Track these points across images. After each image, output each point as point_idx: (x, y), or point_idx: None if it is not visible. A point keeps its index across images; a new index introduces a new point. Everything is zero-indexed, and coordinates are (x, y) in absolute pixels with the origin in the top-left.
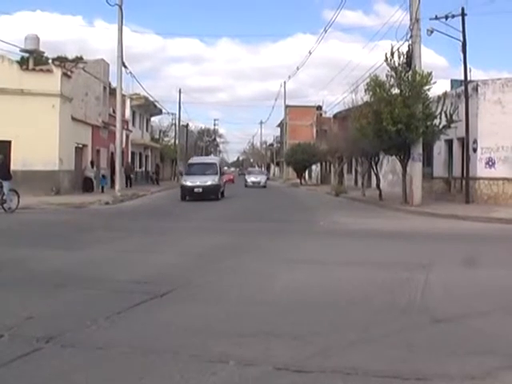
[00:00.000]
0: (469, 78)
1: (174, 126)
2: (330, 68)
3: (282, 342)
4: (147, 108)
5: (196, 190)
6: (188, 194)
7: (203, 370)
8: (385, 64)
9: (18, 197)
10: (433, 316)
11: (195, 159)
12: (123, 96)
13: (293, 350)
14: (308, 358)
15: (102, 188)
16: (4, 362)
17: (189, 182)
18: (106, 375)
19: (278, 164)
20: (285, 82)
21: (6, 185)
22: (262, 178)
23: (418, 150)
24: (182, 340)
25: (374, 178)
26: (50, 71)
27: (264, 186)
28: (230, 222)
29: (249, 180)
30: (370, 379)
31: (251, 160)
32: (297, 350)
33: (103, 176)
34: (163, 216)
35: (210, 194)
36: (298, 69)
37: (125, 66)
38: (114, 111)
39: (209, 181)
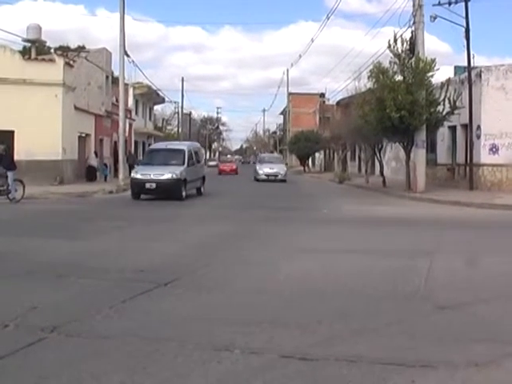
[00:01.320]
0: (472, 65)
1: (176, 115)
2: (333, 55)
3: (286, 331)
4: (150, 97)
5: (148, 185)
6: (139, 191)
7: (208, 359)
8: (388, 51)
9: (24, 187)
10: (436, 303)
11: (158, 144)
12: (126, 85)
13: (297, 338)
14: (312, 347)
15: (105, 177)
16: (9, 352)
17: (140, 174)
18: (111, 364)
19: (281, 152)
20: (287, 70)
21: (10, 175)
22: (279, 169)
23: (421, 137)
24: (186, 329)
25: (377, 164)
26: (52, 61)
27: (283, 180)
28: (230, 209)
29: (261, 171)
30: (374, 367)
31: (254, 148)
32: (301, 339)
33: (105, 165)
34: (167, 205)
35: (168, 192)
36: (300, 56)
37: (127, 55)
38: (116, 100)
39: (166, 174)
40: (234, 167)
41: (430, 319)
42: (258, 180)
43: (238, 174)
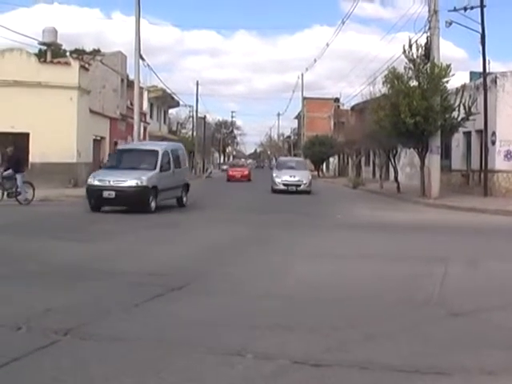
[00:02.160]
0: (488, 70)
1: (191, 118)
2: (348, 60)
3: (298, 336)
4: (165, 100)
5: (106, 194)
6: (96, 201)
7: (221, 363)
8: (403, 56)
9: (34, 189)
10: (451, 310)
11: (127, 144)
12: (141, 88)
13: (309, 343)
14: (325, 352)
15: None
16: (22, 354)
17: (97, 180)
18: (124, 368)
19: (295, 156)
20: (302, 74)
21: (18, 177)
22: (302, 176)
23: (436, 143)
24: (198, 333)
25: (391, 170)
26: (67, 64)
27: (307, 192)
28: (247, 213)
29: (278, 179)
30: (387, 373)
31: (268, 152)
32: (313, 344)
33: None
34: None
35: (131, 203)
36: (315, 61)
37: (142, 59)
38: (131, 103)
39: (130, 180)
40: (246, 172)
41: (444, 326)
42: (274, 191)
43: (252, 181)
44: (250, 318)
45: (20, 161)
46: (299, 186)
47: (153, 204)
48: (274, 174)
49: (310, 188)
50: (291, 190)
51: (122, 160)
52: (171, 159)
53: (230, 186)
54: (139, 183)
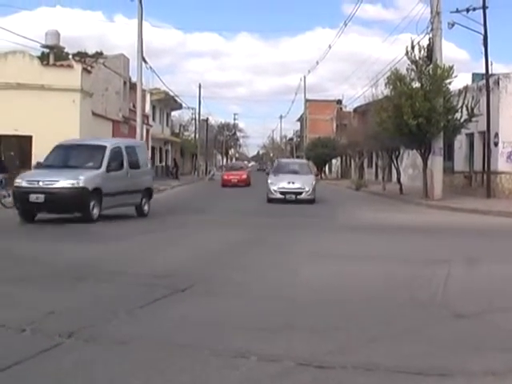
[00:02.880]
0: (490, 72)
1: (194, 121)
2: (350, 62)
3: (302, 337)
4: (167, 103)
5: (33, 197)
6: (23, 206)
7: (225, 365)
8: (405, 58)
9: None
10: (454, 311)
11: (72, 140)
12: (143, 91)
13: (314, 345)
14: (329, 354)
15: None
16: (26, 357)
17: (25, 181)
18: (128, 369)
19: (298, 158)
20: (305, 77)
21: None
22: (304, 182)
23: (438, 144)
24: (203, 334)
25: (394, 172)
26: (70, 66)
27: (310, 201)
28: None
29: (274, 187)
30: (391, 375)
31: (271, 154)
32: (318, 346)
33: None
34: (185, 210)
35: (64, 209)
36: (317, 63)
37: (145, 61)
38: (134, 106)
39: (63, 180)
40: (244, 177)
41: (448, 327)
42: (270, 200)
43: (251, 186)
44: (254, 319)
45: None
46: (299, 193)
47: (95, 211)
48: (270, 181)
49: (314, 196)
50: (289, 199)
51: (61, 158)
52: (125, 158)
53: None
54: (75, 184)
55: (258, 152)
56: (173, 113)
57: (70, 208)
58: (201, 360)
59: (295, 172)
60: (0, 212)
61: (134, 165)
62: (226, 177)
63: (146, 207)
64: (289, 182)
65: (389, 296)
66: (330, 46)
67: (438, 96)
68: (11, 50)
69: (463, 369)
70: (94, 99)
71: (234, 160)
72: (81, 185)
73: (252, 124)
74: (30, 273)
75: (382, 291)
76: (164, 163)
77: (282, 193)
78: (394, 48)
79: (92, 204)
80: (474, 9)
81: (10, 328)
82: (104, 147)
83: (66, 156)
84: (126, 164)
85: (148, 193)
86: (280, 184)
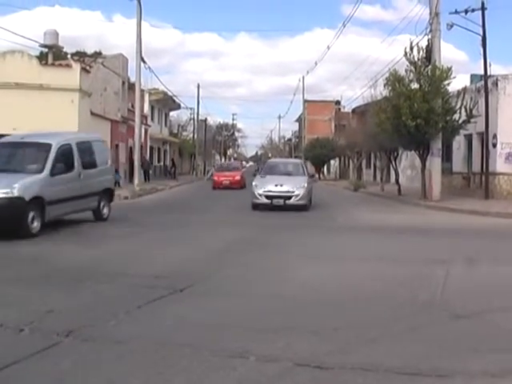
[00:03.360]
0: (489, 73)
1: (192, 121)
2: (349, 63)
3: (301, 338)
4: (166, 103)
5: None
6: None
7: (223, 365)
8: (404, 59)
9: None
10: (453, 312)
11: (12, 137)
12: (142, 91)
13: (313, 345)
14: (328, 354)
15: (118, 183)
16: (24, 356)
17: None
18: (126, 369)
19: (296, 158)
20: (303, 77)
21: None
22: (295, 185)
23: (437, 145)
24: (201, 335)
25: (392, 172)
26: (69, 66)
27: (303, 206)
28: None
29: (259, 190)
30: (390, 376)
31: (269, 155)
32: (317, 346)
33: (116, 171)
34: (183, 210)
35: None
36: (316, 63)
37: (143, 61)
38: (132, 106)
39: None
40: (238, 178)
41: (447, 328)
42: (255, 207)
43: (246, 189)
44: (253, 320)
45: None
46: (288, 198)
47: (35, 224)
48: (254, 183)
49: (307, 201)
50: (277, 205)
51: (0, 159)
52: (76, 157)
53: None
54: (9, 194)
55: (257, 152)
56: (171, 113)
57: (2, 223)
58: (200, 360)
59: (286, 173)
60: None
61: (89, 164)
62: (216, 178)
63: (105, 210)
64: (276, 185)
65: (388, 296)
66: (328, 47)
67: (436, 97)
68: (10, 49)
69: (462, 369)
70: (92, 99)
71: (232, 160)
72: (16, 194)
73: (250, 124)
74: (28, 273)
75: (381, 291)
76: (162, 163)
77: (267, 197)
78: (392, 49)
79: (31, 216)
80: (473, 10)
81: (9, 327)
82: (49, 145)
83: (6, 157)
84: (77, 164)
85: (107, 195)
86: (266, 187)
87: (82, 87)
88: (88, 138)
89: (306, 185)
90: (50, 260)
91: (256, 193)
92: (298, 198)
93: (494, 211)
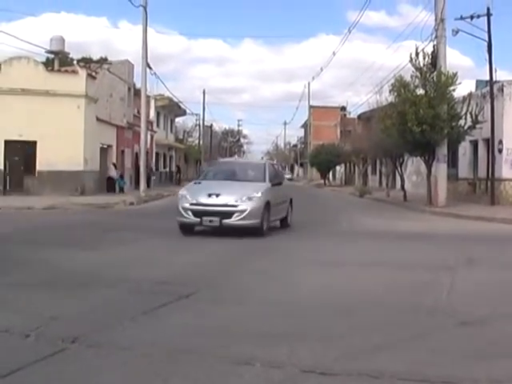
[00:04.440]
0: (494, 79)
1: (198, 127)
2: (354, 69)
3: (307, 344)
4: (171, 109)
5: None
6: None
7: (229, 372)
8: (409, 65)
9: None
10: (459, 318)
11: None
12: (148, 97)
13: (318, 352)
14: (333, 361)
15: (122, 189)
16: (30, 362)
17: None
18: (132, 376)
19: (301, 165)
20: (309, 83)
21: None
22: (241, 197)
23: (442, 151)
24: (206, 341)
25: (398, 178)
26: (75, 72)
27: (254, 229)
28: None
29: (186, 204)
30: (396, 382)
31: (275, 161)
32: (322, 353)
33: (121, 176)
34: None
35: None
36: (321, 69)
37: (149, 67)
38: (138, 112)
39: None
40: None
41: (453, 334)
42: (182, 226)
43: None
44: (258, 326)
45: None
46: (227, 214)
47: None
48: (182, 192)
49: (260, 221)
50: (207, 225)
51: None
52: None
53: None
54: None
55: (262, 158)
56: (177, 119)
57: None
58: (205, 367)
59: (238, 178)
60: None
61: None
62: None
63: None
64: (210, 195)
65: (393, 302)
66: (334, 53)
67: (442, 103)
68: (16, 55)
69: (468, 377)
70: (98, 105)
71: None
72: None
73: (256, 130)
74: (33, 278)
75: (386, 298)
76: (168, 169)
77: (195, 213)
78: (398, 55)
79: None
80: (479, 16)
81: (14, 333)
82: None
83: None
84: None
85: None
86: (196, 197)
87: (87, 93)
88: None
89: (260, 195)
90: (55, 264)
91: (180, 207)
92: (244, 215)
93: (499, 217)
